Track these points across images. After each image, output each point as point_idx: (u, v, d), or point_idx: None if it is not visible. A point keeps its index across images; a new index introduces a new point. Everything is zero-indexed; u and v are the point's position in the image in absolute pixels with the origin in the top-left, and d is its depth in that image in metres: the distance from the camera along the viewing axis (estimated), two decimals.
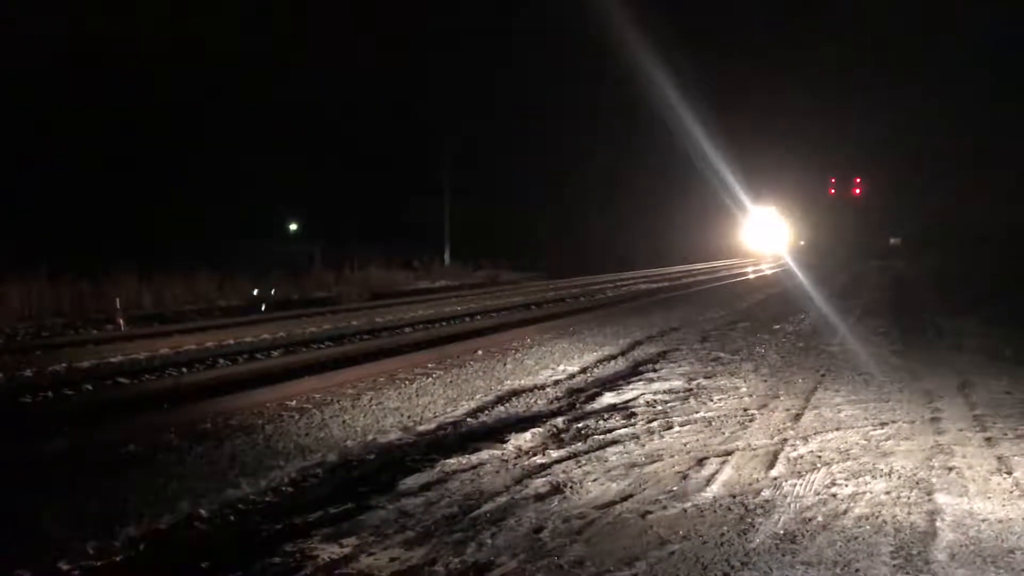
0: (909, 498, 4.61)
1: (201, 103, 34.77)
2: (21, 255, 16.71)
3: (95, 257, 18.85)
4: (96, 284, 16.77)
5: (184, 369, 9.54)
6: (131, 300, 16.33)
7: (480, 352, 10.60)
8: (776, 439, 5.93)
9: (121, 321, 13.89)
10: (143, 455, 5.70)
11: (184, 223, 31.92)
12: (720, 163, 40.74)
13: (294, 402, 7.46)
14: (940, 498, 4.60)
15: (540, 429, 6.32)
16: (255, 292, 19.53)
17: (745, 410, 6.93)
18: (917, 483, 4.88)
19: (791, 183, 57.46)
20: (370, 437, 6.25)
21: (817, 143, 62.22)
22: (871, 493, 4.69)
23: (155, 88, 33.08)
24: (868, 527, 4.15)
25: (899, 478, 4.98)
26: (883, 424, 6.37)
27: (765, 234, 57.74)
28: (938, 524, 4.20)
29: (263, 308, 17.45)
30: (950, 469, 5.17)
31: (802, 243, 61.00)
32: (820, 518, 4.27)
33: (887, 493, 4.69)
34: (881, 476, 5.02)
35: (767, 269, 38.49)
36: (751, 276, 32.14)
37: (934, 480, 4.94)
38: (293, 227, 44.29)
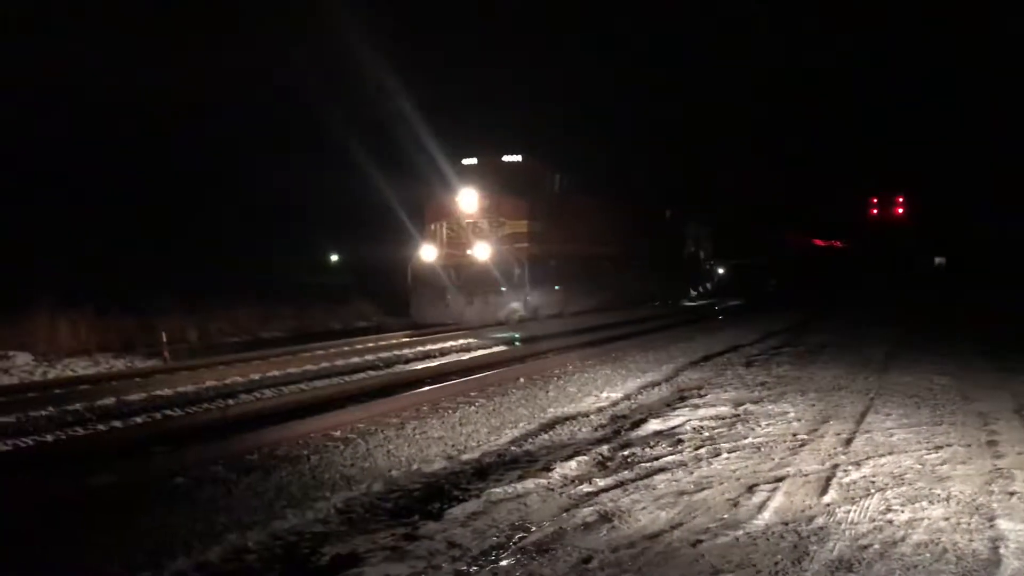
0: (969, 524, 4.47)
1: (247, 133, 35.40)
2: (67, 290, 17.00)
3: (137, 290, 19.21)
4: (141, 318, 17.03)
5: (230, 400, 9.64)
6: (176, 333, 16.54)
7: (522, 379, 10.56)
8: (827, 464, 5.80)
9: (167, 354, 14.08)
10: (191, 487, 5.74)
11: (225, 255, 32.34)
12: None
13: (339, 432, 7.48)
14: (1002, 524, 4.45)
15: (585, 457, 6.25)
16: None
17: (794, 435, 6.80)
18: (977, 509, 4.74)
19: None
20: (415, 466, 6.24)
21: None
22: (929, 519, 4.56)
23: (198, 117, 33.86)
24: (928, 555, 4.03)
25: (958, 503, 4.84)
26: (938, 448, 6.21)
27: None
28: (1002, 551, 4.05)
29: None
30: (1011, 494, 5.00)
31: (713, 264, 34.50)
32: (877, 545, 4.16)
33: (946, 519, 4.55)
34: (939, 502, 4.88)
35: None
36: None
37: (995, 506, 4.79)
38: (334, 258, 44.72)
